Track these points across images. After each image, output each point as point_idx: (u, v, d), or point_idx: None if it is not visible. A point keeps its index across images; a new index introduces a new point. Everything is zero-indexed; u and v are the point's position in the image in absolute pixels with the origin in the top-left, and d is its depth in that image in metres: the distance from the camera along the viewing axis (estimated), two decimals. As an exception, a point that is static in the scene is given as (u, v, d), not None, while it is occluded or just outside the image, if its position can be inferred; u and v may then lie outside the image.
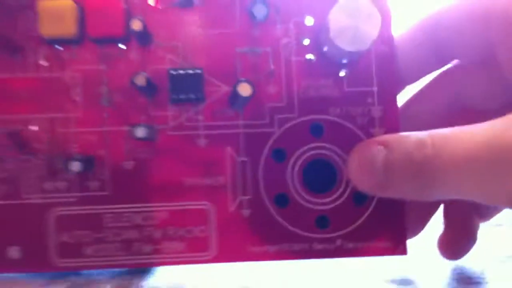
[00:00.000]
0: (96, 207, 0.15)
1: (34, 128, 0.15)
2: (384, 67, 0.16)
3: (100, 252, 0.15)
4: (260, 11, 0.14)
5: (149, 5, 0.15)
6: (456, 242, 0.16)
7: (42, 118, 0.15)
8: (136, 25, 0.14)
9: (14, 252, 0.15)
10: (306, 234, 0.15)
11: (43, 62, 0.15)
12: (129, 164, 0.15)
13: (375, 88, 0.16)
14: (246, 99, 0.14)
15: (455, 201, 0.15)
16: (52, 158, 0.15)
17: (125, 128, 0.15)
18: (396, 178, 0.13)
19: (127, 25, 0.15)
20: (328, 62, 0.15)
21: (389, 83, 0.16)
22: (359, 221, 0.15)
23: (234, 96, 0.14)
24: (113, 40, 0.15)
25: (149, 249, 0.15)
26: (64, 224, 0.15)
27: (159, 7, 0.15)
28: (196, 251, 0.15)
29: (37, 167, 0.15)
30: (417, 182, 0.12)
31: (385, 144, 0.13)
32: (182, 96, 0.15)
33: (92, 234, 0.15)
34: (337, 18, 0.14)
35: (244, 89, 0.14)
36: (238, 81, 0.14)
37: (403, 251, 0.15)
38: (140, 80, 0.14)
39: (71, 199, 0.15)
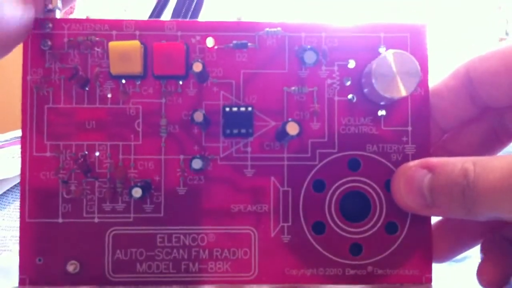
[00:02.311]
0: (150, 228, 0.17)
1: (98, 154, 0.17)
2: (418, 109, 0.17)
3: (151, 269, 0.17)
4: (310, 57, 0.16)
5: (207, 47, 0.17)
6: (496, 271, 0.17)
7: (107, 145, 0.17)
8: (197, 66, 0.16)
9: (73, 267, 0.17)
10: (340, 260, 0.17)
11: (109, 95, 0.17)
12: (182, 190, 0.17)
13: (409, 128, 0.17)
14: (293, 137, 0.16)
15: (494, 233, 0.16)
16: (114, 182, 0.17)
17: (181, 157, 0.17)
18: (441, 200, 0.15)
19: (187, 65, 0.17)
20: (368, 103, 0.17)
21: (423, 123, 0.17)
22: (390, 250, 0.17)
23: (282, 133, 0.16)
24: (174, 77, 0.17)
25: (196, 268, 0.17)
26: (120, 242, 0.17)
27: (216, 48, 0.17)
28: (239, 271, 0.17)
29: (100, 190, 0.17)
30: (460, 204, 0.14)
31: (430, 168, 0.15)
32: (234, 131, 0.16)
33: (145, 252, 0.17)
34: (381, 67, 0.15)
35: (292, 128, 0.15)
36: (288, 121, 0.16)
37: (429, 279, 0.17)
38: (198, 117, 0.16)
39: (128, 220, 0.17)
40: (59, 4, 0.17)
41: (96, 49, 0.17)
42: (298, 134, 0.15)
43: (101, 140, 0.17)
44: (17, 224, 0.22)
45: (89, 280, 0.17)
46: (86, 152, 0.17)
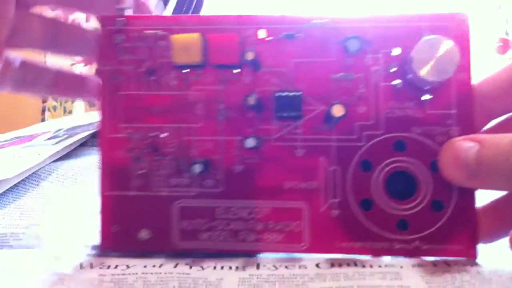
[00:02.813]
0: (211, 201, 0.19)
1: (165, 135, 0.19)
2: (462, 93, 0.18)
3: (212, 238, 0.19)
4: (353, 45, 0.17)
5: (259, 38, 0.19)
6: None
7: (171, 127, 0.19)
8: (249, 55, 0.18)
9: (144, 234, 0.19)
10: (387, 234, 0.18)
11: (173, 83, 0.19)
12: (239, 168, 0.19)
13: (454, 111, 0.18)
14: (339, 118, 0.17)
15: None
16: (178, 160, 0.19)
17: (237, 138, 0.19)
18: (486, 171, 0.15)
19: (241, 55, 0.18)
20: (413, 88, 0.18)
21: (467, 107, 0.18)
22: (436, 226, 0.18)
23: (329, 115, 0.17)
24: (229, 66, 0.19)
25: (253, 238, 0.19)
26: (185, 214, 0.19)
27: (268, 39, 0.19)
28: (292, 242, 0.18)
29: (166, 166, 0.19)
30: (505, 176, 0.15)
31: (478, 141, 0.16)
32: (284, 114, 0.18)
33: (206, 223, 0.19)
34: (420, 52, 0.16)
35: (338, 110, 0.17)
36: (333, 103, 0.17)
37: (473, 254, 0.18)
38: (251, 100, 0.18)
39: (191, 193, 0.19)
40: (130, 4, 0.19)
41: (160, 42, 0.19)
42: (343, 116, 0.17)
43: (166, 123, 0.19)
44: (17, 222, 0.25)
45: (158, 247, 0.19)
46: (154, 134, 0.19)
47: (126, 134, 0.19)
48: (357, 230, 0.18)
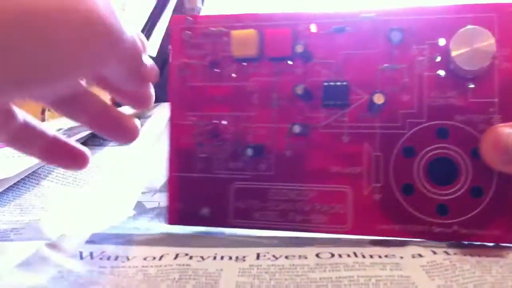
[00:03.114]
0: (263, 183, 0.27)
1: (224, 122, 0.27)
2: (505, 81, 0.24)
3: (264, 217, 0.27)
4: (396, 36, 0.24)
5: (311, 32, 0.26)
6: None
7: (230, 115, 0.27)
8: (299, 48, 0.25)
9: (205, 211, 0.27)
10: (427, 218, 0.24)
11: (233, 75, 0.27)
12: (289, 153, 0.26)
13: (496, 100, 0.24)
14: (379, 106, 0.24)
15: None
16: (235, 145, 0.27)
17: (288, 125, 0.26)
18: None
19: (293, 48, 0.26)
20: (456, 77, 0.24)
21: (509, 95, 0.23)
22: (475, 211, 0.24)
23: (371, 103, 0.24)
24: (283, 59, 0.26)
25: (300, 218, 0.26)
26: (241, 194, 0.27)
27: (319, 32, 0.26)
28: (336, 223, 0.26)
29: (225, 151, 0.27)
30: None
31: None
32: (331, 102, 0.25)
33: (259, 203, 0.27)
34: (456, 44, 0.22)
35: (378, 98, 0.24)
36: (375, 92, 0.24)
37: (510, 240, 0.23)
38: (299, 90, 0.25)
39: (247, 176, 0.27)
40: (199, 5, 0.27)
41: (223, 38, 0.27)
42: (383, 104, 0.23)
43: (226, 111, 0.27)
44: (17, 218, 0.31)
45: (217, 222, 0.27)
46: (216, 121, 0.27)
47: (191, 121, 0.27)
48: (397, 213, 0.25)
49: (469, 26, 0.23)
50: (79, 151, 0.27)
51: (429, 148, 0.25)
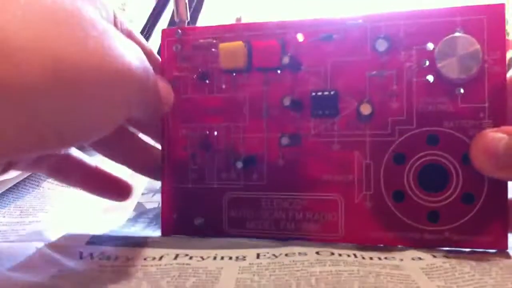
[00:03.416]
0: (256, 193, 0.27)
1: (215, 133, 0.27)
2: (495, 86, 0.23)
3: (257, 226, 0.27)
4: (381, 45, 0.24)
5: (298, 41, 0.26)
6: None
7: (221, 126, 0.27)
8: (285, 59, 0.25)
9: (199, 222, 0.28)
10: (418, 225, 0.24)
11: (223, 86, 0.27)
12: (280, 162, 0.26)
13: (486, 104, 0.23)
14: (367, 116, 0.24)
15: None
16: (227, 155, 0.27)
17: (279, 135, 0.26)
18: None
19: (281, 58, 0.26)
20: (445, 82, 0.24)
21: (499, 100, 0.23)
22: (466, 218, 0.24)
23: (358, 113, 0.24)
24: (271, 69, 0.26)
25: (293, 227, 0.26)
26: (234, 204, 0.27)
27: (306, 41, 0.26)
28: (328, 231, 0.26)
29: (217, 161, 0.27)
30: None
31: (508, 132, 0.22)
32: (320, 112, 0.25)
33: (252, 213, 0.27)
34: (441, 55, 0.22)
35: (365, 108, 0.23)
36: (362, 102, 0.24)
37: (504, 245, 0.23)
38: (287, 101, 0.25)
39: (239, 186, 0.27)
40: (186, 18, 0.28)
41: (212, 49, 0.27)
42: (371, 114, 0.23)
43: (218, 122, 0.27)
44: (17, 220, 0.32)
45: (211, 232, 0.27)
46: (207, 132, 0.27)
47: (184, 133, 0.28)
48: (389, 221, 0.25)
49: (451, 35, 0.23)
50: (122, 182, 0.29)
51: (419, 155, 0.25)
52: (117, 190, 0.30)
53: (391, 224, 0.25)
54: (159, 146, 0.29)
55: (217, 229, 0.28)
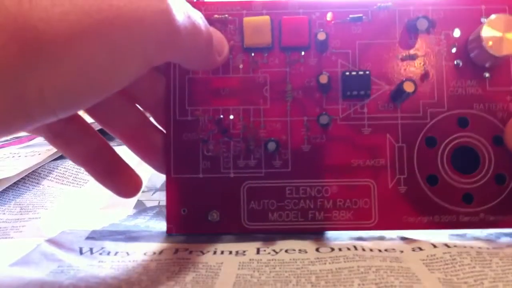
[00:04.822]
0: (280, 181, 0.25)
1: (231, 117, 0.25)
2: (520, 70, 0.24)
3: (281, 218, 0.24)
4: (422, 24, 0.24)
5: (327, 20, 0.25)
6: None
7: (239, 109, 0.25)
8: (321, 35, 0.24)
9: (214, 216, 0.25)
10: (453, 208, 0.24)
11: (240, 66, 0.25)
12: (306, 148, 0.25)
13: (512, 88, 0.24)
14: (409, 94, 0.23)
15: None
16: (246, 141, 0.25)
17: (304, 118, 0.25)
18: None
19: (310, 37, 0.24)
20: (473, 67, 0.24)
21: (525, 84, 0.24)
22: (500, 198, 0.24)
23: (399, 92, 0.23)
24: (297, 48, 0.25)
25: (322, 216, 0.24)
26: (253, 194, 0.25)
27: (334, 21, 0.25)
28: (360, 219, 0.24)
29: (234, 148, 0.25)
30: None
31: None
32: (353, 93, 0.24)
33: (275, 203, 0.24)
34: (490, 28, 0.23)
35: (409, 86, 0.23)
36: (405, 80, 0.23)
37: (538, 224, 0.23)
38: (323, 79, 0.24)
39: (259, 174, 0.25)
40: (198, -9, 0.25)
41: (229, 26, 0.25)
42: (414, 92, 0.23)
43: (234, 105, 0.25)
44: (18, 217, 0.30)
45: (228, 227, 0.24)
46: (222, 116, 0.25)
47: (194, 116, 0.25)
48: (424, 205, 0.24)
49: (502, 14, 0.23)
50: (133, 173, 0.26)
51: (451, 138, 0.24)
52: (125, 180, 0.26)
53: (427, 208, 0.24)
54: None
55: (234, 223, 0.25)
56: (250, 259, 0.21)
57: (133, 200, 0.32)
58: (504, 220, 0.24)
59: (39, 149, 0.39)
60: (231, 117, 0.25)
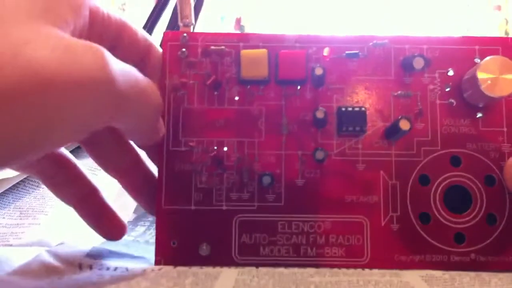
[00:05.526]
0: (272, 215, 0.24)
1: (225, 149, 0.24)
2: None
3: (273, 253, 0.24)
4: (419, 63, 0.24)
5: (324, 55, 0.25)
6: None
7: (234, 141, 0.25)
8: (318, 70, 0.24)
9: (204, 249, 0.24)
10: (445, 247, 0.24)
11: (236, 98, 0.25)
12: (300, 182, 0.24)
13: (505, 129, 0.24)
14: (405, 132, 0.23)
15: None
16: (240, 173, 0.24)
17: (299, 152, 0.24)
18: None
19: (307, 71, 0.24)
20: (467, 106, 0.24)
21: (517, 125, 0.24)
22: (490, 239, 0.24)
23: (394, 129, 0.23)
24: (294, 82, 0.25)
25: (314, 252, 0.24)
26: (245, 228, 0.24)
27: (331, 57, 0.25)
28: (352, 256, 0.24)
29: (227, 180, 0.24)
30: None
31: None
32: (349, 128, 0.24)
33: (267, 237, 0.24)
34: (485, 68, 0.23)
35: (405, 124, 0.23)
36: (401, 117, 0.23)
37: (529, 265, 0.23)
38: (320, 114, 0.24)
39: (252, 208, 0.24)
40: (192, 20, 0.25)
41: (226, 58, 0.25)
42: (410, 129, 0.23)
43: (229, 137, 0.25)
44: (17, 222, 0.30)
45: (218, 261, 0.24)
46: (216, 147, 0.24)
47: (188, 147, 0.24)
48: (416, 243, 0.24)
49: (498, 56, 0.24)
50: (118, 220, 0.26)
51: (444, 176, 0.25)
52: (110, 225, 0.26)
53: (419, 247, 0.24)
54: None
55: (225, 257, 0.24)
56: (249, 269, 0.22)
57: (132, 205, 0.33)
58: (494, 261, 0.24)
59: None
60: (225, 149, 0.25)
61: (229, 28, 0.73)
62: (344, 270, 0.22)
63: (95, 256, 0.25)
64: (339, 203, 0.25)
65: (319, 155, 0.24)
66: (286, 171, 0.25)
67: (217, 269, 0.22)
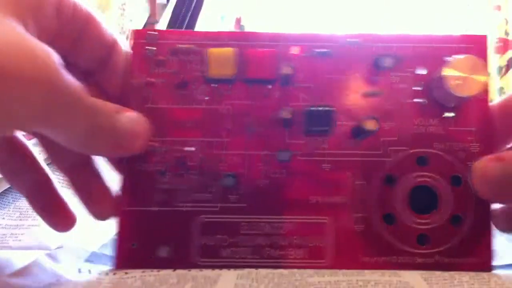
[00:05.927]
0: (234, 217, 0.24)
1: (191, 149, 0.24)
2: (481, 111, 0.24)
3: (235, 254, 0.24)
4: (388, 62, 0.23)
5: (293, 53, 0.24)
6: None
7: (199, 141, 0.24)
8: (287, 69, 0.23)
9: (163, 251, 0.24)
10: (409, 249, 0.24)
11: (206, 97, 0.24)
12: (264, 182, 0.24)
13: (473, 129, 0.24)
14: (371, 132, 0.23)
15: None
16: (205, 174, 0.24)
17: (264, 152, 0.24)
18: (508, 188, 0.21)
19: (276, 69, 0.24)
20: (436, 106, 0.24)
21: (486, 124, 0.24)
22: (454, 240, 0.24)
23: (361, 129, 0.23)
24: (262, 81, 0.24)
25: (277, 254, 0.24)
26: (207, 229, 0.24)
27: (301, 55, 0.24)
28: (315, 258, 0.24)
29: (191, 181, 0.24)
30: None
31: (501, 160, 0.22)
32: (315, 128, 0.23)
33: (229, 239, 0.24)
34: (453, 67, 0.22)
35: (371, 125, 0.22)
36: (367, 118, 0.23)
37: (489, 268, 0.23)
38: (286, 114, 0.23)
39: (215, 209, 0.24)
40: (158, 19, 0.24)
41: (193, 56, 0.24)
42: (376, 130, 0.22)
43: (194, 137, 0.24)
44: (17, 223, 0.30)
45: (178, 263, 0.24)
46: (181, 148, 0.24)
47: (152, 147, 0.24)
48: (380, 245, 0.24)
49: (468, 55, 0.23)
50: (67, 211, 0.25)
51: (410, 176, 0.24)
52: (60, 216, 0.25)
53: (382, 248, 0.24)
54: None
55: (185, 259, 0.24)
56: (248, 272, 0.22)
57: None
58: (459, 263, 0.24)
59: (38, 149, 0.38)
60: (191, 149, 0.24)
61: (229, 27, 0.73)
62: (343, 271, 0.22)
63: (94, 261, 0.25)
64: (303, 204, 0.24)
65: (282, 155, 0.23)
66: (250, 172, 0.24)
67: (216, 271, 0.22)
